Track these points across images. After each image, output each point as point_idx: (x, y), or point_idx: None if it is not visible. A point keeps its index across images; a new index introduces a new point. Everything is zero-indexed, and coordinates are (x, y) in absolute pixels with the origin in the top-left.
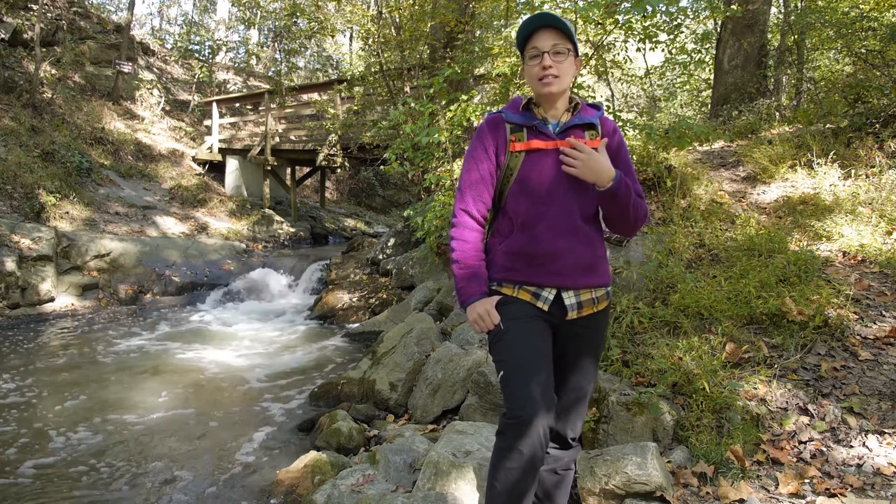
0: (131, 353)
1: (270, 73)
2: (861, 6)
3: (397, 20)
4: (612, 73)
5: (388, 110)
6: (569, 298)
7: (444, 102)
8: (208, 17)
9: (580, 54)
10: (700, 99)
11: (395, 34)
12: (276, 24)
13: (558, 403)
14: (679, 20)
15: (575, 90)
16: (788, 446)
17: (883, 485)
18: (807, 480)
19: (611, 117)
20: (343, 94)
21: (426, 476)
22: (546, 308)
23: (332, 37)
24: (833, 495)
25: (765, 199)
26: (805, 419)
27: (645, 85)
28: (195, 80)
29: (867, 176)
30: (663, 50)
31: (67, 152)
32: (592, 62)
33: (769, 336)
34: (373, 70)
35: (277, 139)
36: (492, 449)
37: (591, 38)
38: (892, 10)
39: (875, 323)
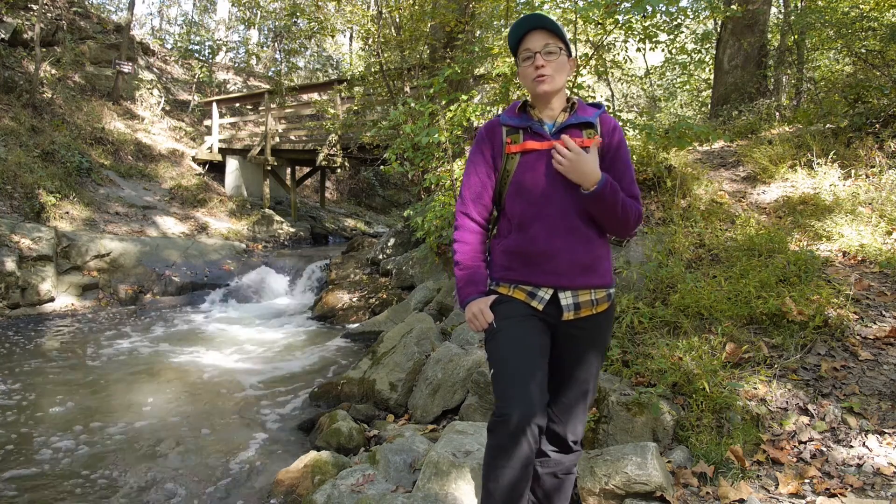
0: (131, 354)
1: (270, 73)
2: (861, 6)
3: (397, 20)
4: (612, 73)
5: (388, 110)
6: (565, 299)
7: (444, 102)
8: (208, 17)
9: (580, 54)
10: (700, 99)
11: (395, 34)
12: (276, 24)
13: (558, 406)
14: (679, 20)
15: (575, 90)
16: (788, 446)
17: (883, 485)
18: (807, 480)
19: (610, 116)
20: (343, 94)
21: (426, 476)
22: (541, 307)
23: (332, 37)
24: (833, 495)
25: (765, 199)
26: (805, 419)
27: (645, 85)
28: (195, 80)
29: (867, 176)
30: (663, 50)
31: (67, 152)
32: (592, 62)
33: (769, 336)
34: (373, 70)
35: (277, 139)
36: None
37: (591, 38)
38: (892, 10)
39: (875, 323)
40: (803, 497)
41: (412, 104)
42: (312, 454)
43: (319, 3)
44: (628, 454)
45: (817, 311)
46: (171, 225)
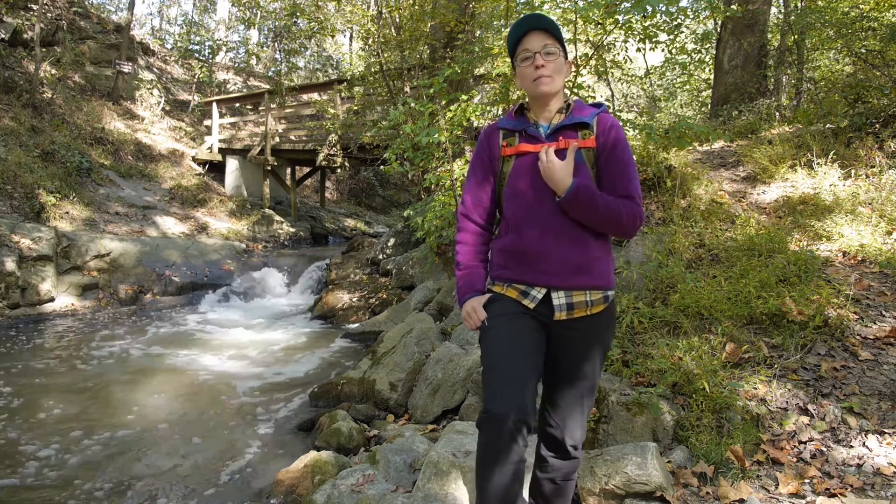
0: (130, 354)
1: (270, 73)
2: (861, 6)
3: (397, 20)
4: (612, 73)
5: (388, 110)
6: (558, 299)
7: (444, 102)
8: (208, 17)
9: (580, 54)
10: (700, 99)
11: (395, 34)
12: (276, 24)
13: (555, 410)
14: (679, 20)
15: (575, 90)
16: (788, 446)
17: (883, 485)
18: (807, 480)
19: (611, 115)
20: (343, 94)
21: (426, 476)
22: (532, 306)
23: (332, 37)
24: (833, 495)
25: (765, 199)
26: (805, 419)
27: (645, 85)
28: (195, 80)
29: (867, 176)
30: (663, 50)
31: (67, 152)
32: (592, 62)
33: (769, 336)
34: (373, 70)
35: (277, 139)
36: None
37: (591, 38)
38: (892, 10)
39: (875, 323)
40: (803, 497)
41: (412, 104)
42: (312, 454)
43: (319, 3)
44: (628, 454)
45: (817, 311)
46: (171, 225)
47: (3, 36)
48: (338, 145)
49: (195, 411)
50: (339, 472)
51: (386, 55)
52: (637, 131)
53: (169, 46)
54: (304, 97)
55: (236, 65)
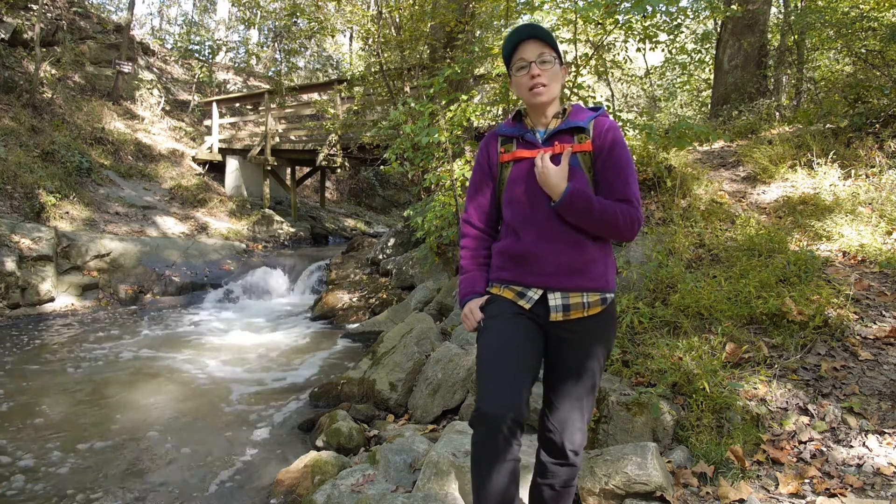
0: (129, 355)
1: (270, 73)
2: (861, 6)
3: (397, 20)
4: (612, 73)
5: (388, 110)
6: (554, 300)
7: (444, 102)
8: (208, 17)
9: (580, 54)
10: (700, 99)
11: (395, 34)
12: (276, 24)
13: (553, 414)
14: (679, 20)
15: (575, 90)
16: (788, 446)
17: (883, 485)
18: (807, 480)
19: (611, 117)
20: (343, 94)
21: (426, 476)
22: (528, 307)
23: (332, 37)
24: (833, 495)
25: (765, 199)
26: (805, 419)
27: (645, 85)
28: (195, 80)
29: (867, 176)
30: (663, 50)
31: (67, 152)
32: (592, 62)
33: (769, 336)
34: (373, 70)
35: (277, 139)
36: None
37: (591, 38)
38: (892, 10)
39: (875, 323)
40: (803, 497)
41: (412, 104)
42: (312, 454)
43: (319, 3)
44: (628, 454)
45: (817, 311)
46: (171, 225)
47: (3, 36)
48: (338, 145)
49: (195, 412)
50: (339, 472)
51: (386, 55)
52: (637, 131)
53: (169, 46)
54: (304, 97)
55: (236, 65)
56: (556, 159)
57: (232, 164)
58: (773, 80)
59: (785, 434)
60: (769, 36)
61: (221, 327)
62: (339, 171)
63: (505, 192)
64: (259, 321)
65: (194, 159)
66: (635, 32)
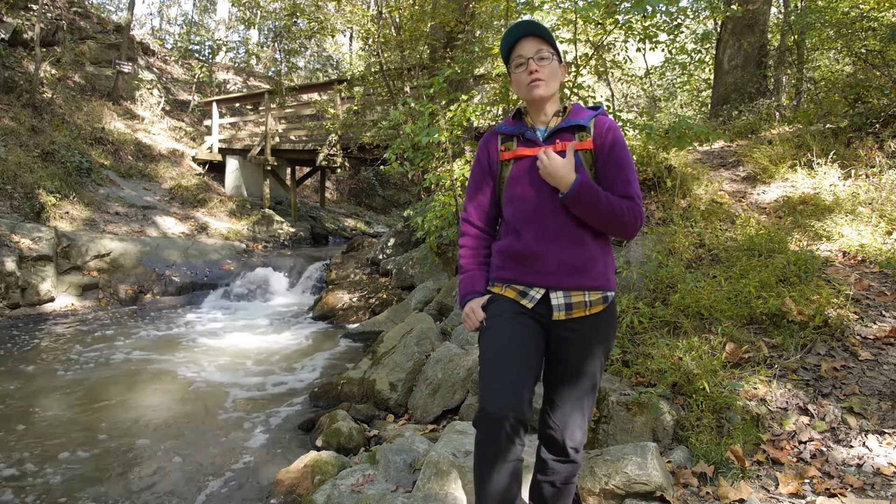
0: (130, 355)
1: (270, 73)
2: (861, 6)
3: (397, 20)
4: (612, 73)
5: (388, 110)
6: (556, 299)
7: (444, 102)
8: (208, 17)
9: (580, 54)
10: (700, 99)
11: (395, 34)
12: (276, 24)
13: (554, 411)
14: (679, 20)
15: (575, 90)
16: (788, 446)
17: (883, 485)
18: (807, 480)
19: (609, 117)
20: (343, 94)
21: (426, 476)
22: (530, 306)
23: (332, 37)
24: (833, 495)
25: (765, 199)
26: (805, 419)
27: (645, 85)
28: (195, 80)
29: (867, 176)
30: (663, 50)
31: (67, 152)
32: (592, 62)
33: (769, 336)
34: (373, 70)
35: (277, 139)
36: None
37: (591, 38)
38: (892, 10)
39: (875, 323)
40: (803, 497)
41: (412, 104)
42: (312, 454)
43: (319, 3)
44: (628, 454)
45: (817, 311)
46: (171, 225)
47: (3, 36)
48: (338, 145)
49: (194, 413)
50: (339, 472)
51: (386, 55)
52: (637, 131)
53: (169, 46)
54: (304, 97)
55: (236, 65)
56: (559, 155)
57: (232, 164)
58: (773, 80)
59: (785, 434)
60: (769, 36)
61: (221, 327)
62: (339, 171)
63: (505, 191)
64: (259, 321)
65: (194, 159)
66: (635, 32)
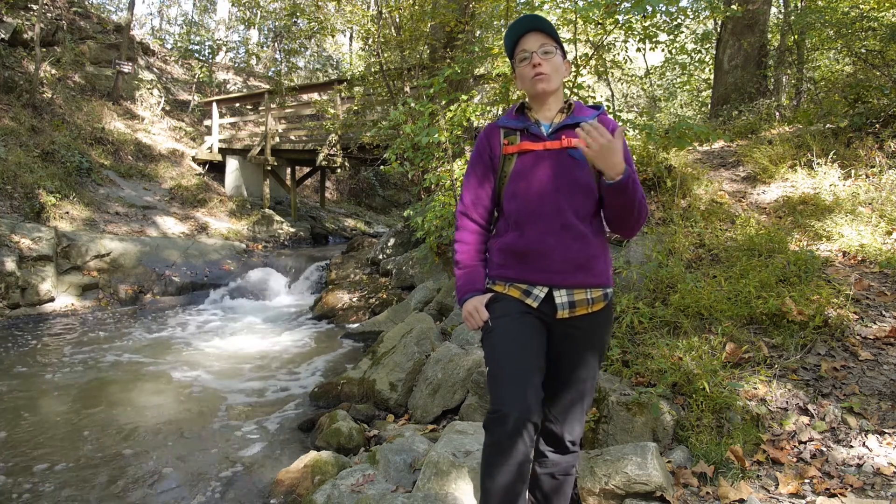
0: (130, 355)
1: (270, 73)
2: (861, 6)
3: (397, 20)
4: (612, 73)
5: (388, 110)
6: (560, 297)
7: (444, 102)
8: (208, 17)
9: (580, 54)
10: (700, 99)
11: (395, 34)
12: (276, 24)
13: (555, 406)
14: (679, 20)
15: (575, 90)
16: (788, 446)
17: (883, 485)
18: (807, 480)
19: (610, 117)
20: (343, 94)
21: (426, 476)
22: (535, 305)
23: (332, 37)
24: (833, 495)
25: (765, 199)
26: (805, 419)
27: (645, 85)
28: (195, 80)
29: (867, 176)
30: (663, 50)
31: (67, 152)
32: (592, 62)
33: (769, 336)
34: (373, 70)
35: (277, 139)
36: None
37: (591, 38)
38: (892, 10)
39: (875, 323)
40: (803, 497)
41: (412, 104)
42: (312, 454)
43: (319, 3)
44: (628, 454)
45: (817, 311)
46: (171, 225)
47: (3, 36)
48: (338, 145)
49: (194, 412)
50: (339, 472)
51: (386, 55)
52: (637, 131)
53: (169, 46)
54: (304, 97)
55: (236, 65)
56: (564, 153)
57: (232, 164)
58: (773, 80)
59: (785, 434)
60: (769, 36)
61: (220, 328)
62: (339, 171)
63: (508, 185)
64: (259, 321)
65: (194, 159)
66: (635, 32)
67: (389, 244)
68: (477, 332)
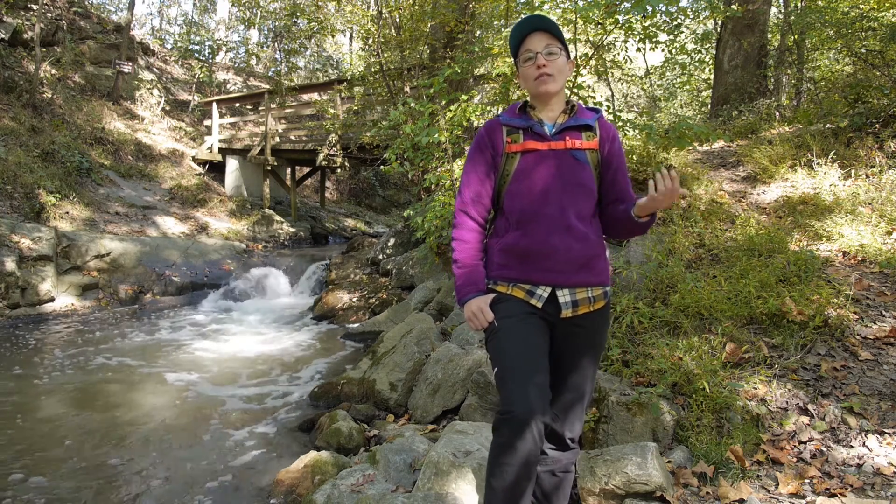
0: (129, 355)
1: (270, 73)
2: (861, 6)
3: (397, 20)
4: (612, 73)
5: (388, 110)
6: (563, 297)
7: (444, 102)
8: (208, 17)
9: (580, 54)
10: (700, 99)
11: (395, 34)
12: (276, 24)
13: (556, 403)
14: (679, 20)
15: (575, 90)
16: (788, 446)
17: (883, 485)
18: (807, 480)
19: (610, 117)
20: (343, 94)
21: (426, 476)
22: (540, 305)
23: (332, 37)
24: (833, 495)
25: (765, 199)
26: (805, 419)
27: (645, 85)
28: (195, 80)
29: (867, 176)
30: (663, 50)
31: (67, 152)
32: (592, 62)
33: (769, 336)
34: (373, 70)
35: (277, 139)
36: None
37: (591, 38)
38: (892, 10)
39: (875, 323)
40: (803, 497)
41: (412, 104)
42: (312, 454)
43: (319, 3)
44: (628, 454)
45: (817, 311)
46: (171, 225)
47: (3, 36)
48: (338, 145)
49: (194, 412)
50: (339, 472)
51: (386, 55)
52: (637, 131)
53: (169, 46)
54: (304, 97)
55: (236, 65)
56: (567, 154)
57: (232, 164)
58: (773, 80)
59: (785, 434)
60: (769, 36)
61: (220, 328)
62: (339, 171)
63: (510, 184)
64: (259, 321)
65: (194, 159)
66: (635, 32)
67: (389, 244)
68: (478, 333)
